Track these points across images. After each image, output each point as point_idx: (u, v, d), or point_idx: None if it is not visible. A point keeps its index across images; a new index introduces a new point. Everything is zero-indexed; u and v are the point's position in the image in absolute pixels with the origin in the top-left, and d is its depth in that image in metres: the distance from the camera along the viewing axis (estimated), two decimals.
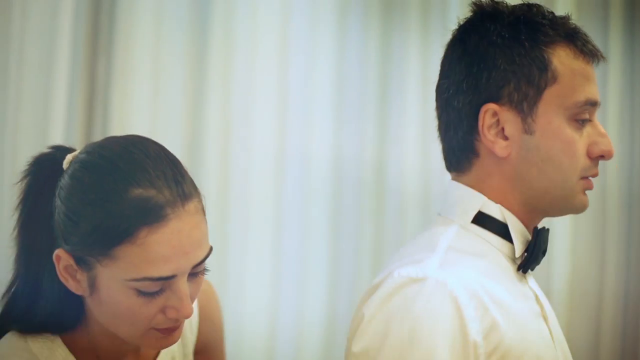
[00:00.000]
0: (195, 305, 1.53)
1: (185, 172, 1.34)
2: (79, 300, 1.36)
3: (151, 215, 1.26)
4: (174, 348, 1.53)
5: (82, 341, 1.40)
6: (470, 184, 1.43)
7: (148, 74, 2.57)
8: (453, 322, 1.29)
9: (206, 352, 1.59)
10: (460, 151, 1.43)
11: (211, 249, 1.34)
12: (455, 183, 1.45)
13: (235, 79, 2.69)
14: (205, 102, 2.65)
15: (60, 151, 1.40)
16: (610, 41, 3.03)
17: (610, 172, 3.00)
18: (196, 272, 1.32)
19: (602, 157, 1.41)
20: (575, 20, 1.43)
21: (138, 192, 1.26)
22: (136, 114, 2.55)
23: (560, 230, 2.99)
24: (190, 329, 1.54)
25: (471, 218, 1.41)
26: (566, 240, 3.00)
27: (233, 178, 2.68)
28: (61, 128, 2.43)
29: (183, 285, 1.30)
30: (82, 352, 1.40)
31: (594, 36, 1.47)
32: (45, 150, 1.41)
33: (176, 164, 1.33)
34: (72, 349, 1.39)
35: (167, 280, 1.28)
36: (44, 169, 1.38)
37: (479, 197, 1.41)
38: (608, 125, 2.99)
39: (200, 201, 1.33)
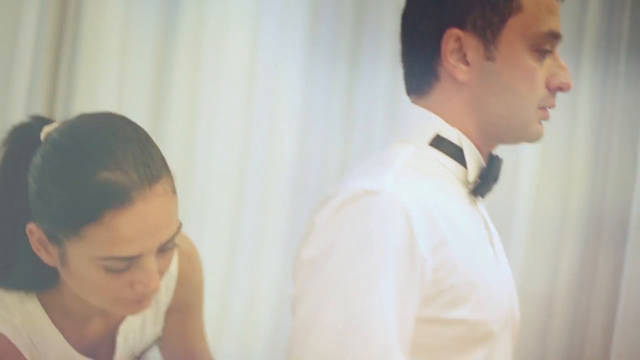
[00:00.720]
0: (175, 267, 1.59)
1: (156, 152, 1.36)
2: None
3: (117, 198, 1.29)
4: (147, 315, 1.60)
5: (55, 300, 1.46)
6: (429, 108, 1.44)
7: (116, 50, 2.53)
8: (403, 235, 1.30)
9: (182, 312, 1.65)
10: (422, 74, 1.44)
11: (180, 226, 1.37)
12: (414, 106, 1.46)
13: (203, 65, 2.67)
14: (172, 77, 2.62)
15: (38, 122, 1.43)
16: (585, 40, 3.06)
17: (579, 111, 3.02)
18: (165, 248, 1.36)
19: (560, 89, 1.43)
20: None
21: (105, 175, 1.29)
22: (102, 90, 2.51)
23: (527, 167, 2.99)
24: (166, 291, 1.59)
25: (428, 140, 1.43)
26: (531, 178, 3.00)
27: (196, 161, 2.66)
28: (23, 97, 2.40)
29: (150, 262, 1.34)
30: (53, 309, 1.47)
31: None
32: (25, 120, 1.45)
33: (146, 144, 1.36)
34: (44, 305, 1.46)
35: (133, 259, 1.33)
36: (22, 139, 1.41)
37: (437, 120, 1.43)
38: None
39: (169, 181, 1.36)
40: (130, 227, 1.30)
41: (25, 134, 1.42)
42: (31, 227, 1.37)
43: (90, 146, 1.32)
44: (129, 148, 1.33)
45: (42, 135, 1.40)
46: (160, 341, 1.70)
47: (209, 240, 2.66)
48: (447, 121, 1.43)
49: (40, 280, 1.44)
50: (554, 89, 1.42)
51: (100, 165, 1.30)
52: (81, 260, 1.34)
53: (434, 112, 1.44)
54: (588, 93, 3.04)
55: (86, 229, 1.30)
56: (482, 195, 1.46)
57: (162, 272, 1.38)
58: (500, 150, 1.49)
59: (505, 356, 1.44)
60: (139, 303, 1.39)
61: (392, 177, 1.35)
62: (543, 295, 3.03)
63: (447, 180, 1.42)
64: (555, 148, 3.03)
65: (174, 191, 1.37)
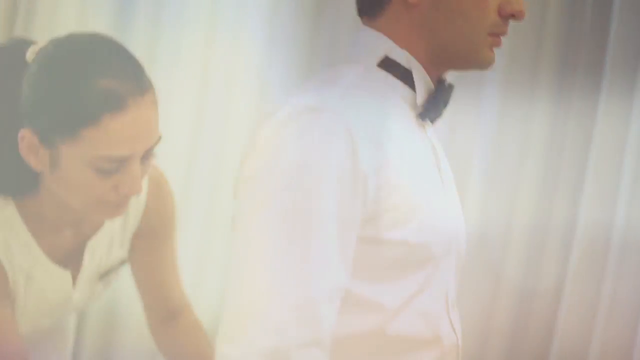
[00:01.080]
0: (143, 193, 1.69)
1: (143, 68, 1.50)
2: (35, 172, 1.52)
3: (115, 103, 1.43)
4: (115, 229, 1.69)
5: (31, 208, 1.57)
6: (379, 29, 1.42)
7: None
8: (345, 153, 1.28)
9: (151, 240, 1.75)
10: None
11: (160, 137, 1.51)
12: (365, 27, 1.44)
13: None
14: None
15: (20, 44, 1.54)
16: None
17: (532, 130, 3.02)
18: (147, 155, 1.51)
19: (512, 16, 1.41)
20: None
21: (104, 82, 1.43)
22: (62, 13, 2.50)
23: (474, 186, 3.00)
24: (133, 215, 1.70)
25: (377, 61, 1.41)
26: (478, 199, 3.01)
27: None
28: None
29: (136, 165, 1.48)
30: (28, 217, 1.57)
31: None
32: (5, 42, 1.58)
33: (136, 60, 1.50)
34: (20, 212, 1.57)
35: (123, 160, 1.46)
36: (6, 59, 1.52)
37: (387, 41, 1.41)
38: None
39: (154, 93, 1.50)
40: (125, 129, 1.44)
41: (9, 53, 1.52)
42: (24, 132, 1.47)
43: (89, 56, 1.45)
44: (122, 60, 1.47)
45: (29, 54, 1.50)
46: (132, 271, 1.79)
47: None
48: (396, 43, 1.41)
49: (20, 186, 1.54)
50: (506, 15, 1.40)
51: (99, 74, 1.43)
52: (73, 162, 1.46)
53: (384, 34, 1.41)
54: (541, 114, 3.04)
55: (84, 131, 1.43)
56: (432, 120, 1.45)
57: (142, 178, 1.52)
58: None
59: (447, 282, 1.44)
60: (118, 207, 1.52)
61: (337, 94, 1.34)
62: (483, 307, 3.03)
63: (395, 102, 1.40)
64: (505, 165, 3.03)
65: (157, 104, 1.51)
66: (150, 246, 1.75)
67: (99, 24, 2.57)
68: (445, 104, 1.44)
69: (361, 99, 1.36)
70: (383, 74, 1.41)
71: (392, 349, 1.37)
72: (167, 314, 1.83)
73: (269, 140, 1.31)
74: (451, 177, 1.50)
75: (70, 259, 1.65)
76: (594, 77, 3.01)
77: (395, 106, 1.40)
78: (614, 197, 2.98)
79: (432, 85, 1.43)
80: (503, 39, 1.43)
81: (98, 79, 1.43)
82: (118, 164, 1.46)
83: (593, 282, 2.97)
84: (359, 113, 1.32)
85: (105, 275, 1.71)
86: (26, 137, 1.48)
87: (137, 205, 1.68)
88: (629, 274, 2.94)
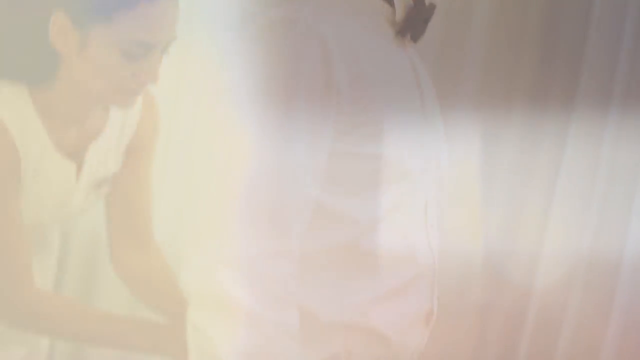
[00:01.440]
0: (138, 110, 1.78)
1: None
2: (55, 57, 1.60)
3: None
4: (112, 140, 1.76)
5: (44, 99, 1.64)
6: None
7: None
8: (318, 65, 1.28)
9: (136, 154, 1.82)
10: None
11: (176, 37, 1.63)
12: None
13: None
14: None
15: None
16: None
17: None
18: (164, 49, 1.62)
19: None
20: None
21: None
22: None
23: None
24: (128, 130, 1.78)
25: None
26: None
27: None
28: None
29: (157, 54, 1.60)
30: (40, 108, 1.64)
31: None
32: None
33: None
34: (33, 102, 1.64)
35: (149, 46, 1.58)
36: None
37: None
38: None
39: None
40: (156, 17, 1.57)
41: None
42: (57, 15, 1.56)
43: None
44: None
45: None
46: (111, 185, 1.82)
47: None
48: None
49: (37, 74, 1.62)
50: None
51: None
52: (103, 44, 1.57)
53: None
54: (512, 139, 3.04)
55: (120, 15, 1.55)
56: (413, 38, 1.43)
57: (158, 68, 1.63)
58: None
59: (426, 200, 1.41)
60: (132, 94, 1.63)
61: (312, 7, 1.33)
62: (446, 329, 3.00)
63: (372, 18, 1.39)
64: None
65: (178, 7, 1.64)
66: (132, 164, 1.82)
67: None
68: (425, 21, 1.41)
69: (337, 13, 1.35)
70: None
71: (366, 265, 1.35)
72: (133, 240, 1.85)
73: (241, 51, 1.31)
74: (434, 97, 1.48)
75: (74, 157, 1.72)
76: (565, 104, 3.03)
77: (372, 22, 1.39)
78: (582, 224, 2.98)
79: (410, 1, 1.40)
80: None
81: None
82: (144, 49, 1.57)
83: (557, 310, 2.95)
84: (334, 26, 1.31)
85: (99, 185, 1.78)
86: (58, 20, 1.57)
87: (131, 120, 1.78)
88: (594, 301, 2.92)
